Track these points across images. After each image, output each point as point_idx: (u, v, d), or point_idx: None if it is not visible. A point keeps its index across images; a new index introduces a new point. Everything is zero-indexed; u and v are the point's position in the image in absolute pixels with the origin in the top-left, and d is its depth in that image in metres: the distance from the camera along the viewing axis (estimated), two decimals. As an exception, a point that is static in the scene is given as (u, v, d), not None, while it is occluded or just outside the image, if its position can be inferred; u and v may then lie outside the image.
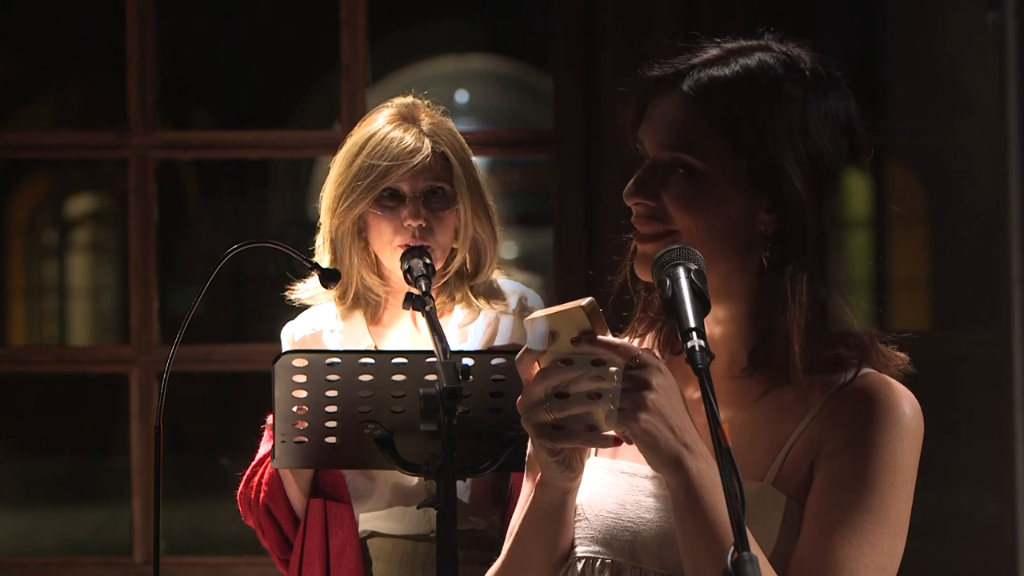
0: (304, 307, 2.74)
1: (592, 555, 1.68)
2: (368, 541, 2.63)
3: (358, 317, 2.70)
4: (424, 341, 2.63)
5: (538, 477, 1.66)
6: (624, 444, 1.55)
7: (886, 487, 1.57)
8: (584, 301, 1.52)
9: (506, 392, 2.25)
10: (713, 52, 1.65)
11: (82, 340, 10.09)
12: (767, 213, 1.61)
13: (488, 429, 2.28)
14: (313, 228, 2.73)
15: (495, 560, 1.74)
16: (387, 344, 2.69)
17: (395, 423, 2.28)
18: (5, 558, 4.44)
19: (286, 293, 2.73)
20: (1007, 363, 3.93)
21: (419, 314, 2.62)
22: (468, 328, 2.67)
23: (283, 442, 2.33)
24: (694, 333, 1.44)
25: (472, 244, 2.67)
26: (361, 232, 2.67)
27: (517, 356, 1.56)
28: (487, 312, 2.68)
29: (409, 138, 2.62)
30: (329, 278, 2.60)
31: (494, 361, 2.24)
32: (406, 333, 2.70)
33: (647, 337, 1.77)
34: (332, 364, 2.26)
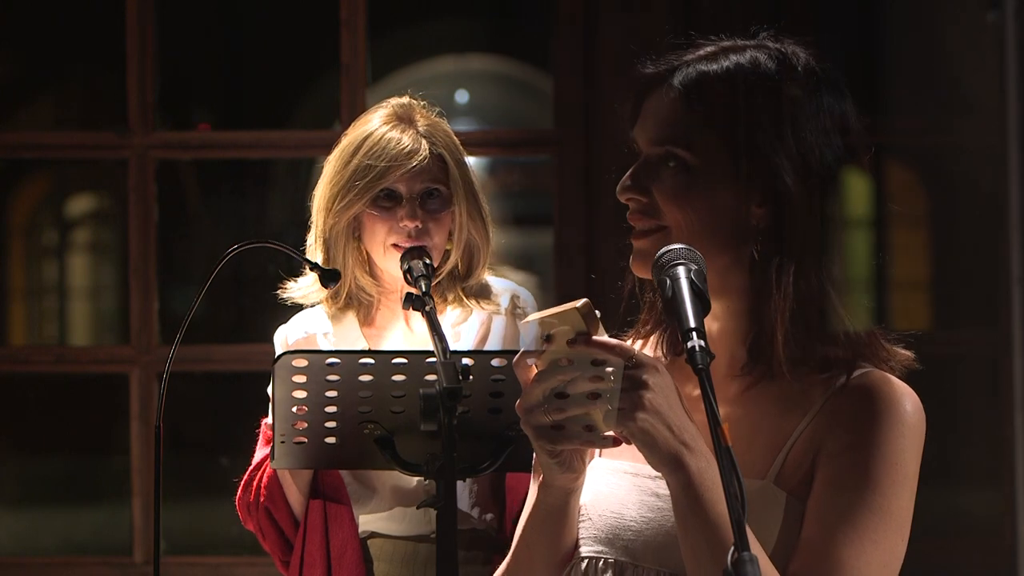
0: (298, 307, 2.74)
1: (595, 555, 1.68)
2: (369, 542, 2.63)
3: (351, 319, 2.70)
4: (418, 342, 2.63)
5: (540, 478, 1.66)
6: (628, 445, 1.55)
7: (888, 485, 1.57)
8: (580, 303, 1.52)
9: (506, 392, 2.25)
10: (707, 49, 1.67)
11: (82, 340, 10.09)
12: (758, 207, 1.62)
13: (488, 429, 2.28)
14: (310, 228, 2.73)
15: (494, 560, 1.75)
16: (381, 346, 2.69)
17: (395, 423, 2.28)
18: (5, 558, 4.44)
19: (279, 292, 2.73)
20: (1007, 363, 3.93)
21: (413, 315, 2.62)
22: (460, 328, 2.67)
23: (283, 443, 2.33)
24: (694, 333, 1.45)
25: (466, 246, 2.67)
26: (355, 232, 2.67)
27: (515, 359, 1.56)
28: (479, 312, 2.68)
29: (406, 139, 2.62)
30: (329, 278, 2.60)
31: (494, 361, 2.24)
32: (400, 334, 2.70)
33: (651, 339, 1.77)
34: (332, 364, 2.26)
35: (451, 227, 2.65)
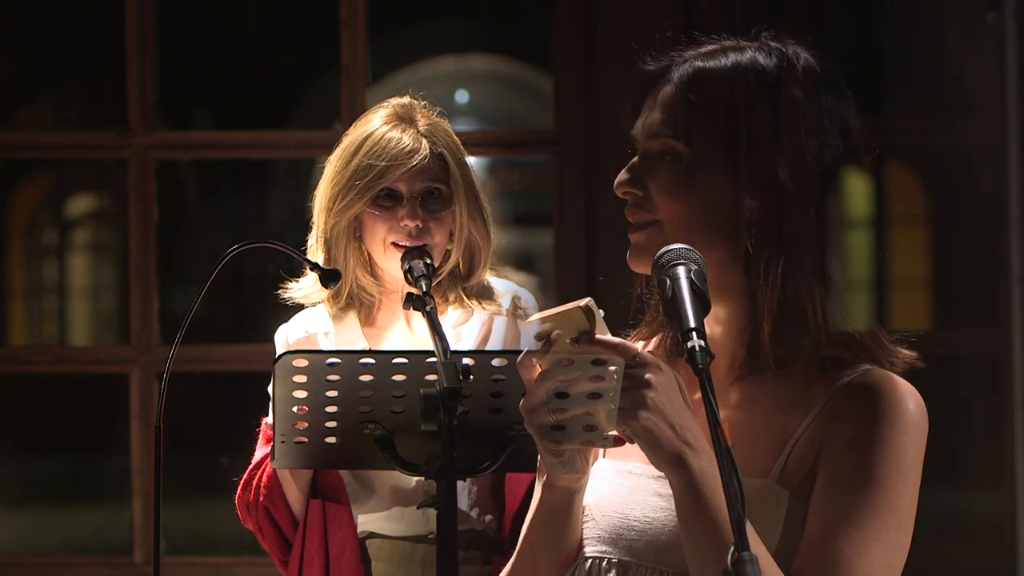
0: (300, 307, 2.74)
1: (599, 555, 1.68)
2: (367, 542, 2.63)
3: (352, 318, 2.70)
4: (419, 342, 2.63)
5: (544, 478, 1.66)
6: (632, 445, 1.55)
7: (890, 483, 1.57)
8: (583, 302, 1.52)
9: (506, 392, 2.25)
10: (709, 47, 1.68)
11: (82, 340, 10.09)
12: (751, 198, 1.62)
13: (488, 429, 2.28)
14: (311, 228, 2.73)
15: (494, 560, 1.75)
16: (382, 346, 2.69)
17: (395, 423, 2.28)
18: (5, 558, 4.43)
19: (279, 292, 2.73)
20: (1007, 363, 3.93)
21: (414, 315, 2.62)
22: (461, 329, 2.67)
23: (283, 442, 2.33)
24: (694, 333, 1.45)
25: (466, 245, 2.67)
26: (356, 232, 2.67)
27: (519, 358, 1.56)
28: (480, 312, 2.68)
29: (407, 139, 2.62)
30: (329, 278, 2.60)
31: (494, 361, 2.24)
32: (400, 334, 2.70)
33: (654, 340, 1.77)
34: (332, 364, 2.26)
35: (452, 227, 2.65)
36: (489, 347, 2.65)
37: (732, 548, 1.33)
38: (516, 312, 2.69)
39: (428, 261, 2.56)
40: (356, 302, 2.70)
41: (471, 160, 2.74)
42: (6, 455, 6.73)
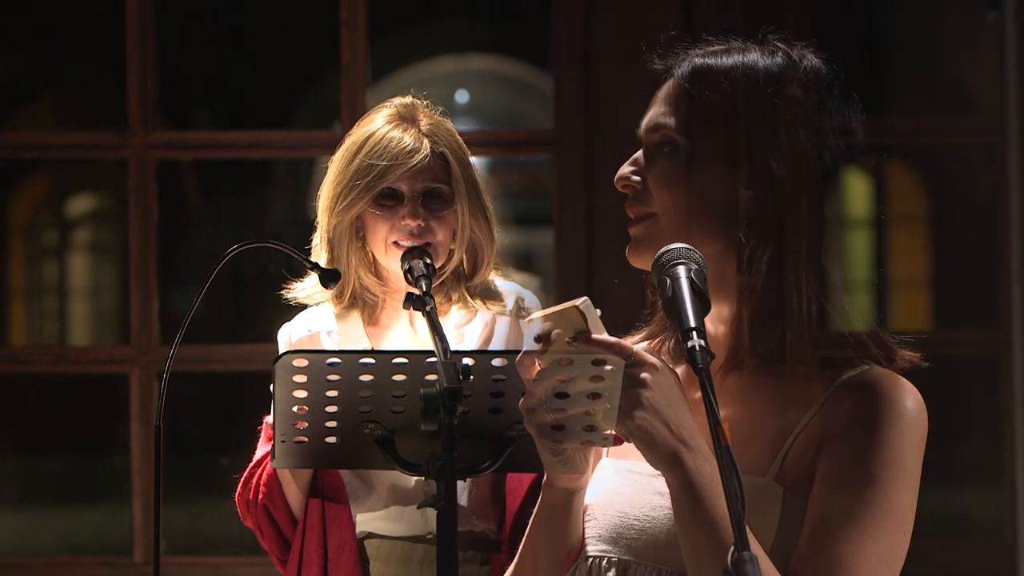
0: (302, 307, 2.74)
1: (600, 554, 1.69)
2: (365, 542, 2.63)
3: (355, 318, 2.70)
4: (421, 342, 2.63)
5: (544, 478, 1.66)
6: (630, 444, 1.55)
7: (888, 481, 1.57)
8: (579, 301, 1.53)
9: (506, 392, 2.25)
10: (715, 47, 1.69)
11: (82, 340, 10.09)
12: (745, 188, 1.63)
13: (488, 429, 2.28)
14: (313, 228, 2.73)
15: (493, 560, 1.75)
16: (384, 345, 2.69)
17: (395, 423, 2.28)
18: (5, 558, 4.43)
19: (283, 292, 2.73)
20: (1007, 363, 3.93)
21: (416, 315, 2.62)
22: (464, 329, 2.67)
23: (283, 442, 2.33)
24: (694, 332, 1.45)
25: (469, 245, 2.67)
26: (359, 232, 2.67)
27: (518, 358, 1.56)
28: (483, 313, 2.68)
29: (408, 138, 2.62)
30: (329, 278, 2.60)
31: (494, 361, 2.24)
32: (403, 334, 2.70)
33: (657, 341, 1.77)
34: (332, 364, 2.25)
35: (454, 226, 2.65)
36: (492, 347, 2.65)
37: (732, 548, 1.33)
38: (519, 313, 2.69)
39: (428, 261, 2.56)
40: (360, 302, 2.71)
41: (473, 160, 2.74)
42: (6, 455, 6.74)
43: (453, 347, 2.56)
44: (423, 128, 2.65)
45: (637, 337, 1.79)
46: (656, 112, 1.68)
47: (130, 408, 4.00)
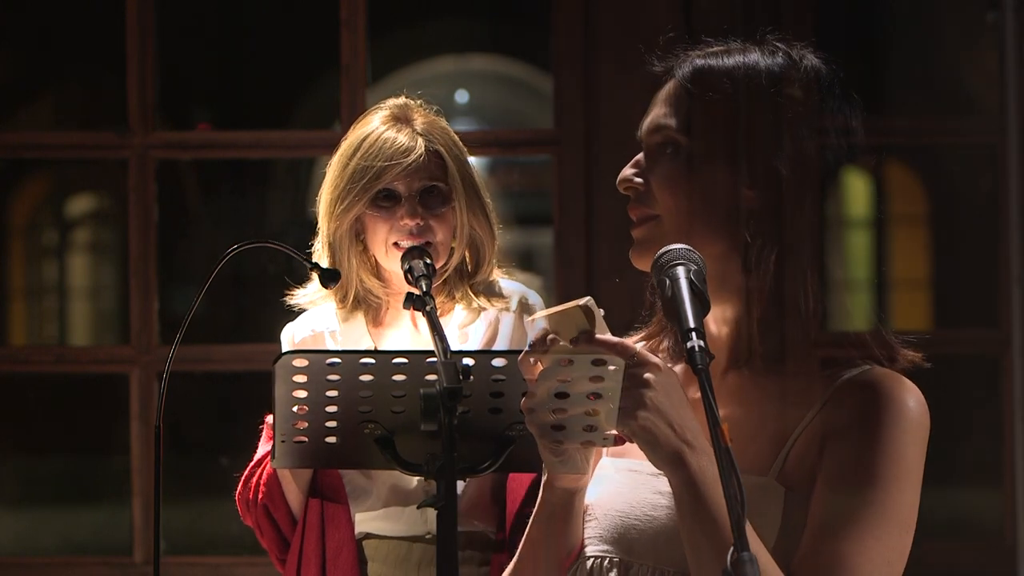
0: (303, 309, 2.74)
1: (601, 554, 1.69)
2: (364, 542, 2.63)
3: (359, 318, 2.71)
4: (423, 341, 2.63)
5: (544, 478, 1.66)
6: (632, 444, 1.55)
7: (890, 481, 1.57)
8: (582, 301, 1.53)
9: (506, 392, 2.25)
10: (715, 48, 1.69)
11: (82, 340, 10.09)
12: (749, 188, 1.63)
13: (488, 429, 2.28)
14: (313, 228, 2.73)
15: (492, 560, 1.75)
16: (387, 344, 2.69)
17: (395, 423, 2.28)
18: (5, 558, 4.43)
19: (286, 299, 2.73)
20: (1007, 363, 3.93)
21: (419, 314, 2.62)
22: (468, 329, 2.67)
23: (283, 442, 2.33)
24: (693, 333, 1.45)
25: (470, 242, 2.68)
26: (359, 235, 2.67)
27: (519, 358, 1.56)
28: (488, 312, 2.68)
29: (403, 138, 2.63)
30: (329, 278, 2.60)
31: (495, 361, 2.24)
32: (406, 333, 2.70)
33: (655, 341, 1.77)
34: (332, 364, 2.25)
35: (454, 223, 2.65)
36: (496, 347, 2.65)
37: (732, 548, 1.33)
38: (523, 312, 2.69)
39: (428, 261, 2.56)
40: (363, 304, 2.71)
41: (472, 160, 2.74)
42: (6, 455, 6.74)
43: (456, 346, 2.56)
44: (418, 127, 2.65)
45: (636, 337, 1.79)
46: (657, 114, 1.68)
47: (130, 408, 3.99)
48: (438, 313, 2.57)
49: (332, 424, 2.30)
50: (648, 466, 1.64)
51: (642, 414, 1.50)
